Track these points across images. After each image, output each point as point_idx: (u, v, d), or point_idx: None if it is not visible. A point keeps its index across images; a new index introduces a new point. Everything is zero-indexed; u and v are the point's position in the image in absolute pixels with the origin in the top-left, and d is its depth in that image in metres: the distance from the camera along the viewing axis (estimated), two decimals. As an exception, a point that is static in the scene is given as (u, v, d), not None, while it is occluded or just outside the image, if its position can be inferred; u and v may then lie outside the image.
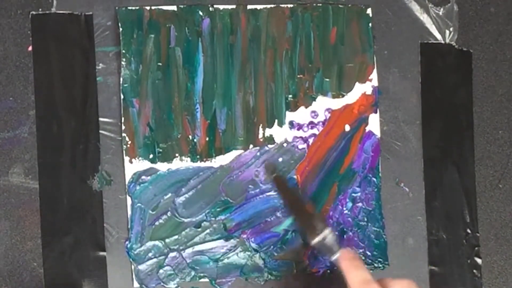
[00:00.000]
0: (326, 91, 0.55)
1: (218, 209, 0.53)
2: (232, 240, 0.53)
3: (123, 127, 0.52)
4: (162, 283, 0.52)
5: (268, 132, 0.54)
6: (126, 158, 0.52)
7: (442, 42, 0.57)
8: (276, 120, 0.54)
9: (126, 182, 0.52)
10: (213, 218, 0.53)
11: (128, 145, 0.52)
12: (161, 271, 0.52)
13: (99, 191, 0.52)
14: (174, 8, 0.52)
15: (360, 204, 0.55)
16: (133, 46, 0.52)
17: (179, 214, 0.52)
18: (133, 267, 0.52)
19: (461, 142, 0.58)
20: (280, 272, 0.54)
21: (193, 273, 0.52)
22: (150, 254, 0.52)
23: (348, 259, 0.44)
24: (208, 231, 0.52)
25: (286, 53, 0.54)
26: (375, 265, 0.55)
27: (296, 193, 0.53)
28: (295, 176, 0.54)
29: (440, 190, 0.56)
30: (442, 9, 0.57)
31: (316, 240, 0.45)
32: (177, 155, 0.52)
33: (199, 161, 0.53)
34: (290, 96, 0.54)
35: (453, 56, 0.57)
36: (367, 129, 0.55)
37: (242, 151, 0.53)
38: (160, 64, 0.52)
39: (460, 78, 0.58)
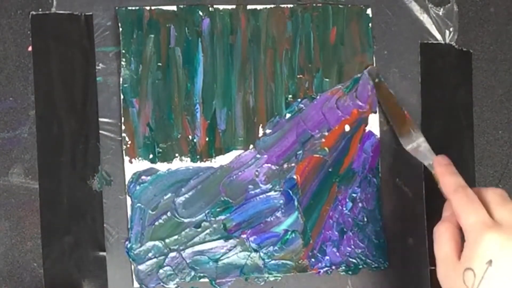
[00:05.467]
0: (326, 91, 0.55)
1: (218, 209, 0.53)
2: (232, 240, 0.53)
3: (123, 127, 0.52)
4: (162, 283, 0.52)
5: (268, 132, 0.54)
6: (126, 158, 0.52)
7: (442, 42, 0.57)
8: (276, 120, 0.54)
9: (126, 182, 0.52)
10: (213, 218, 0.53)
11: (128, 145, 0.52)
12: (161, 271, 0.52)
13: (99, 191, 0.52)
14: (174, 8, 0.52)
15: (360, 204, 0.55)
16: (133, 46, 0.52)
17: (179, 214, 0.52)
18: (133, 267, 0.52)
19: (461, 142, 0.58)
20: (280, 272, 0.54)
21: (193, 273, 0.52)
22: (150, 254, 0.52)
23: (443, 165, 0.45)
24: (208, 231, 0.53)
25: (286, 53, 0.54)
26: (375, 265, 0.55)
27: (395, 100, 0.54)
28: (295, 176, 0.54)
29: (440, 190, 0.56)
30: (442, 9, 0.57)
31: (410, 146, 0.50)
32: (177, 155, 0.52)
33: (199, 161, 0.53)
34: (290, 96, 0.54)
35: (453, 56, 0.57)
36: (367, 129, 0.55)
37: (242, 151, 0.53)
38: (160, 64, 0.52)
39: (460, 78, 0.58)
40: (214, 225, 0.53)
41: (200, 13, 0.53)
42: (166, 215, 0.52)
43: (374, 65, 0.55)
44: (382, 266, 0.55)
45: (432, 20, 0.57)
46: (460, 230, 0.43)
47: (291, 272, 0.54)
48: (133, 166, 0.52)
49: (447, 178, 0.44)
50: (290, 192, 0.54)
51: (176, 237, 0.52)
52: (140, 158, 0.52)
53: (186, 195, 0.52)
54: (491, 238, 0.40)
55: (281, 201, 0.53)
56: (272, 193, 0.53)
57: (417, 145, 0.50)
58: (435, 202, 0.56)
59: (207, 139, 0.53)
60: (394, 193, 0.56)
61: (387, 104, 0.54)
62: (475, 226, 0.40)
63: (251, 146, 0.53)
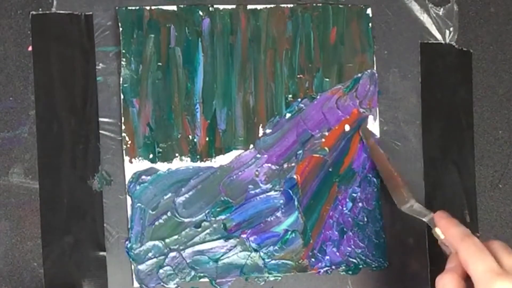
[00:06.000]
0: (326, 91, 0.55)
1: (218, 209, 0.53)
2: (232, 240, 0.53)
3: (123, 127, 0.52)
4: (162, 283, 0.52)
5: (268, 132, 0.54)
6: (126, 158, 0.52)
7: (442, 42, 0.57)
8: (276, 120, 0.54)
9: (126, 182, 0.52)
10: (213, 218, 0.53)
11: (128, 145, 0.52)
12: (161, 271, 0.52)
13: (99, 191, 0.52)
14: (174, 8, 0.52)
15: (360, 204, 0.55)
16: (133, 46, 0.52)
17: (179, 214, 0.52)
18: (133, 267, 0.52)
19: (461, 142, 0.58)
20: (280, 272, 0.54)
21: (193, 273, 0.52)
22: (150, 254, 0.52)
23: (445, 217, 0.46)
24: (208, 231, 0.53)
25: (286, 53, 0.54)
26: (375, 265, 0.55)
27: (388, 162, 0.54)
28: (295, 176, 0.54)
29: (440, 190, 0.56)
30: (442, 9, 0.57)
31: (403, 207, 0.51)
32: (177, 155, 0.52)
33: (199, 161, 0.53)
34: (290, 96, 0.54)
35: (453, 56, 0.57)
36: (367, 129, 0.55)
37: (242, 151, 0.53)
38: (160, 64, 0.52)
39: (460, 78, 0.58)
40: (214, 225, 0.53)
41: (200, 13, 0.53)
42: (166, 215, 0.52)
43: (375, 65, 0.55)
44: (382, 266, 0.55)
45: (432, 20, 0.57)
46: (465, 282, 0.42)
47: (291, 272, 0.54)
48: (133, 166, 0.52)
49: (452, 229, 0.44)
50: (290, 192, 0.54)
51: (176, 237, 0.52)
52: (140, 158, 0.52)
53: (186, 195, 0.52)
54: (501, 286, 0.39)
55: (281, 201, 0.53)
56: (272, 193, 0.53)
57: (410, 205, 0.50)
58: (435, 202, 0.56)
59: (207, 139, 0.53)
60: (394, 193, 0.56)
61: (380, 166, 0.54)
62: (484, 274, 0.40)
63: (251, 146, 0.53)
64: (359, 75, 0.55)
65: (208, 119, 0.53)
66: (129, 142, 0.52)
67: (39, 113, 0.51)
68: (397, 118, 0.56)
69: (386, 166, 0.53)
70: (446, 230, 0.45)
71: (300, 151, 0.54)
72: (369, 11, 0.56)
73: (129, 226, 0.52)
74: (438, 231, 0.46)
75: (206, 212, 0.52)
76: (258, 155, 0.53)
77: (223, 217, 0.53)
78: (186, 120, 0.52)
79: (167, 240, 0.52)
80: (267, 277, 0.53)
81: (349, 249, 0.55)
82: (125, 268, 0.52)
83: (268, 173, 0.53)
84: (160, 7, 0.52)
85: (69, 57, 0.52)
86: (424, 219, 0.49)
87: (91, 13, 0.52)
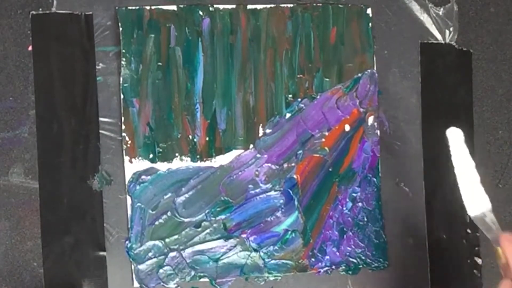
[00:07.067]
0: (326, 90, 0.55)
1: (218, 209, 0.53)
2: (232, 240, 0.53)
3: (123, 127, 0.52)
4: (162, 283, 0.52)
5: (268, 131, 0.54)
6: (126, 158, 0.52)
7: (442, 42, 0.57)
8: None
9: (126, 182, 0.52)
10: (213, 218, 0.53)
11: (128, 145, 0.52)
12: (161, 270, 0.52)
13: (99, 191, 0.52)
14: (174, 8, 0.52)
15: (360, 204, 0.55)
16: (133, 46, 0.52)
17: (179, 214, 0.52)
18: (133, 266, 0.52)
19: (461, 142, 0.57)
20: (280, 272, 0.54)
21: (193, 272, 0.52)
22: (150, 254, 0.52)
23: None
24: (208, 231, 0.52)
25: (286, 53, 0.54)
26: (375, 265, 0.55)
27: (474, 165, 0.50)
28: (295, 176, 0.54)
29: (440, 190, 0.56)
30: (442, 9, 0.57)
31: (475, 214, 0.46)
32: (177, 155, 0.52)
33: (199, 161, 0.53)
34: (290, 96, 0.54)
35: (453, 56, 0.57)
36: (367, 129, 0.55)
37: (242, 151, 0.53)
38: (160, 64, 0.52)
39: (460, 78, 0.58)
40: (214, 225, 0.53)
41: (200, 12, 0.53)
42: (166, 215, 0.52)
43: (375, 65, 0.55)
44: (382, 266, 0.55)
45: (432, 20, 0.57)
46: None
47: (291, 272, 0.54)
48: (133, 166, 0.52)
49: None
50: (290, 191, 0.54)
51: (176, 236, 0.52)
52: (140, 158, 0.52)
53: (186, 195, 0.52)
54: None
55: (281, 201, 0.53)
56: (272, 192, 0.53)
57: (483, 214, 0.47)
58: (435, 202, 0.56)
59: (207, 138, 0.53)
60: (394, 193, 0.56)
61: (462, 168, 0.49)
62: None
63: (251, 145, 0.53)
64: (359, 75, 0.55)
65: (208, 119, 0.53)
66: (129, 142, 0.52)
67: (39, 113, 0.51)
68: (397, 118, 0.56)
69: (470, 169, 0.51)
70: (511, 257, 0.43)
71: (300, 151, 0.54)
72: (369, 11, 0.56)
73: (129, 226, 0.52)
74: (501, 252, 0.44)
75: (206, 212, 0.52)
76: (258, 155, 0.53)
77: (223, 217, 0.53)
78: (186, 120, 0.52)
79: (167, 240, 0.52)
80: (267, 277, 0.53)
81: (349, 249, 0.55)
82: (125, 268, 0.52)
83: (268, 173, 0.53)
84: (160, 7, 0.52)
85: (69, 57, 0.52)
86: (488, 235, 0.46)
87: (91, 13, 0.52)
